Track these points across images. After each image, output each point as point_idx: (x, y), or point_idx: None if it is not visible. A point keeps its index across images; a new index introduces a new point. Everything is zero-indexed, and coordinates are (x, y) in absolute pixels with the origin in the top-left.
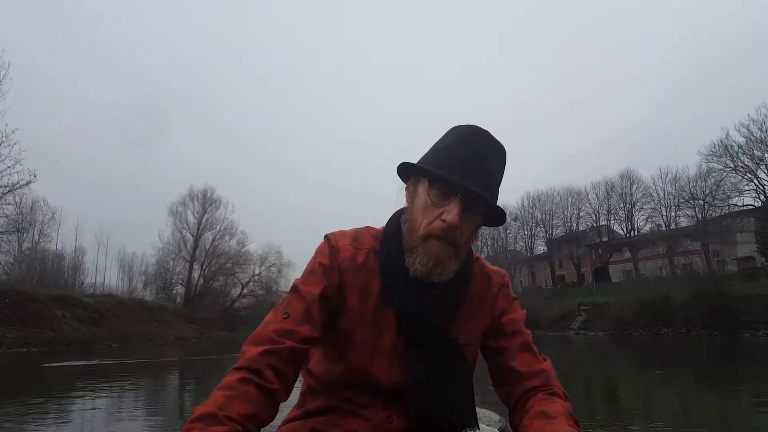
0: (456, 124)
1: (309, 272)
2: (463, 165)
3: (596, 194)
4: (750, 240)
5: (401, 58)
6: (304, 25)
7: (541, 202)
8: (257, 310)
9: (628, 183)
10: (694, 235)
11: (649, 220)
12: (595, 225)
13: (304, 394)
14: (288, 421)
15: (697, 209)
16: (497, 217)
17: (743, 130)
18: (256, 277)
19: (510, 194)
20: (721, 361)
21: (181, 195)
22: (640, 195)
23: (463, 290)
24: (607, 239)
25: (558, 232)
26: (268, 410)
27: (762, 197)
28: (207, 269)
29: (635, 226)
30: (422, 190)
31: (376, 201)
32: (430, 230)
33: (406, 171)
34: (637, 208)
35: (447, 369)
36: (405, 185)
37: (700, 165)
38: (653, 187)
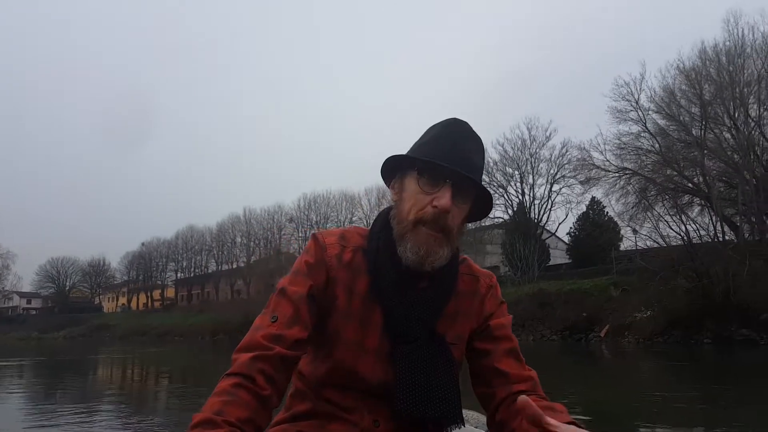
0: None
1: (295, 272)
2: (450, 153)
3: (369, 200)
4: (497, 251)
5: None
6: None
7: (317, 205)
8: None
9: None
10: None
11: None
12: None
13: (291, 397)
14: (275, 424)
15: None
16: (483, 206)
17: (499, 147)
18: None
19: (288, 194)
20: None
21: None
22: None
23: (448, 285)
24: None
25: None
26: (262, 415)
27: (510, 211)
28: None
29: None
30: (411, 180)
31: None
32: (422, 216)
33: (390, 169)
34: None
35: (433, 366)
36: (390, 185)
37: None
38: None
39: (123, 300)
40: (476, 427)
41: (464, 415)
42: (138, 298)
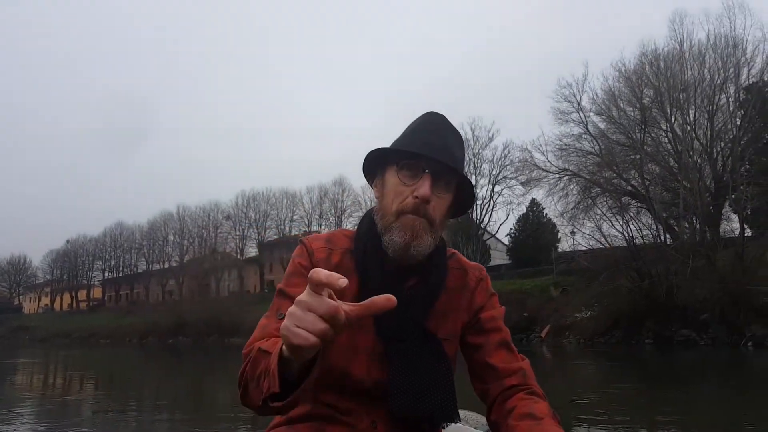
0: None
1: (291, 274)
2: (428, 143)
3: (310, 198)
4: None
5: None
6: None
7: (256, 202)
8: None
9: (341, 190)
10: None
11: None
12: (307, 230)
13: None
14: (272, 427)
15: None
16: (466, 197)
17: None
18: None
19: (225, 191)
20: None
21: None
22: (350, 202)
23: (437, 280)
24: None
25: (271, 234)
26: None
27: None
28: None
29: None
30: (391, 175)
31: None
32: (403, 207)
33: (371, 167)
34: (346, 215)
35: (426, 364)
36: (372, 185)
37: None
38: (362, 196)
39: (46, 300)
40: (476, 429)
41: (464, 416)
42: (62, 299)
